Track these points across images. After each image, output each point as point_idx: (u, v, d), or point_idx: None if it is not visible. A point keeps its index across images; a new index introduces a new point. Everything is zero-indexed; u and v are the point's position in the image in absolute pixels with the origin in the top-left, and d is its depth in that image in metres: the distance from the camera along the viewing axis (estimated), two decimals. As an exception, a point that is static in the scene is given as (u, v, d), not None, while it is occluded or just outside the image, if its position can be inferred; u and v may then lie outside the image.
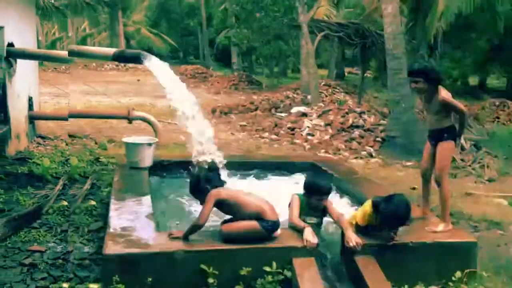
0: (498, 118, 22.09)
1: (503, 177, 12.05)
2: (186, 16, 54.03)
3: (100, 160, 9.47)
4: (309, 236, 5.09)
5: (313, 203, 5.54)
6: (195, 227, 4.97)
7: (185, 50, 58.83)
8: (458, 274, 5.30)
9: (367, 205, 5.37)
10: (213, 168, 5.43)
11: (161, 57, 8.45)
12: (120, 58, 8.29)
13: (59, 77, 34.22)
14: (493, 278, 5.47)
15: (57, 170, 8.51)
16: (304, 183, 5.68)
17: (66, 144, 11.01)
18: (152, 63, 7.91)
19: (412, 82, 5.91)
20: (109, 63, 40.01)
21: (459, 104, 5.83)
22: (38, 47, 18.06)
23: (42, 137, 11.37)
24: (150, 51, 38.69)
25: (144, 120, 11.20)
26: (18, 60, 9.63)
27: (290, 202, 5.66)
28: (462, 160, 13.03)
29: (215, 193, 5.04)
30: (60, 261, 5.19)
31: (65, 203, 6.82)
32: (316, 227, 5.53)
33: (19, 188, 7.41)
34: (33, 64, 11.36)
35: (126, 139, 8.00)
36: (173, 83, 7.80)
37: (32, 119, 10.82)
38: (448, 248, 5.47)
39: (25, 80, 10.41)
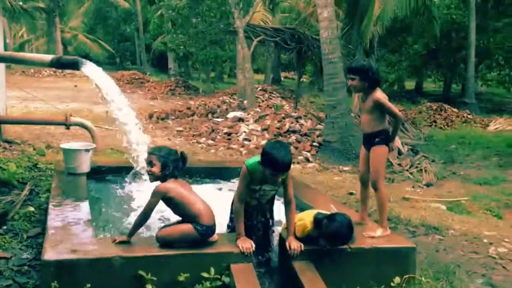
0: (435, 122, 22.49)
1: (441, 181, 12.21)
2: (123, 22, 53.49)
3: (38, 166, 9.21)
4: (244, 242, 5.00)
5: (268, 176, 5.00)
6: (139, 224, 4.93)
7: (122, 56, 58.20)
8: (397, 279, 5.24)
9: (307, 220, 5.21)
10: (184, 157, 5.27)
11: (98, 63, 8.27)
12: (57, 64, 8.07)
13: (27, 80, 34.03)
14: (433, 284, 5.40)
15: (24, 175, 8.31)
16: (262, 150, 5.12)
17: (34, 149, 10.79)
18: (90, 69, 7.72)
19: (349, 79, 5.81)
20: (46, 69, 39.49)
21: (394, 107, 5.74)
22: (6, 50, 17.69)
23: (9, 142, 11.15)
24: (87, 57, 38.43)
25: (82, 126, 11.04)
26: (-17, 63, 9.44)
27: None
28: (399, 164, 13.12)
29: (162, 189, 4.89)
30: (26, 267, 5.09)
31: (32, 208, 6.66)
32: (270, 193, 5.43)
33: (-17, 194, 7.17)
34: (-1, 67, 11.18)
35: (64, 145, 7.87)
36: (110, 89, 7.65)
37: None
38: (386, 253, 5.40)
39: (-10, 84, 10.15)
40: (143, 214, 4.88)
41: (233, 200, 5.39)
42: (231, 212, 5.54)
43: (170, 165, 4.99)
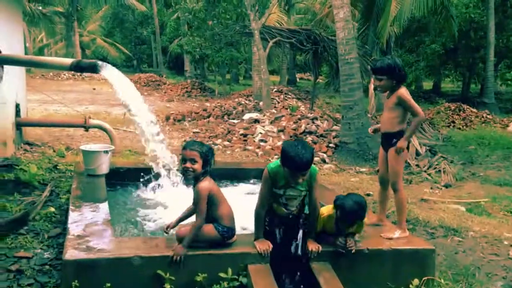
0: (453, 122, 22.26)
1: (460, 182, 12.08)
2: (140, 25, 53.84)
3: (58, 167, 9.30)
4: (261, 243, 4.97)
5: (288, 176, 4.76)
6: (199, 227, 4.83)
7: (138, 59, 58.55)
8: (416, 281, 5.20)
9: (324, 209, 5.22)
10: (213, 153, 5.08)
11: (115, 65, 8.36)
12: (77, 68, 8.24)
13: (47, 83, 34.56)
14: (452, 286, 5.35)
15: (44, 177, 8.39)
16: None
17: (54, 151, 10.91)
18: (109, 72, 7.78)
19: (376, 80, 5.72)
20: (65, 73, 40.03)
21: (416, 105, 5.62)
22: (26, 54, 17.91)
23: (29, 144, 11.38)
24: (105, 60, 38.65)
25: (100, 128, 11.35)
26: (5, 67, 9.66)
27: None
28: (417, 165, 13.00)
29: (207, 188, 4.83)
30: (47, 267, 5.13)
31: (53, 209, 6.72)
32: (297, 199, 5.02)
33: (5, 195, 7.27)
34: (20, 70, 11.38)
35: (83, 147, 7.96)
36: (129, 92, 7.74)
37: (19, 125, 10.83)
38: (405, 255, 5.36)
39: (12, 87, 10.40)
40: (200, 221, 4.81)
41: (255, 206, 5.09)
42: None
43: (211, 161, 4.90)
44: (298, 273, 5.15)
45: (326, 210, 5.23)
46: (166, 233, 5.15)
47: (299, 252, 5.09)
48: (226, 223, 4.93)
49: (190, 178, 4.92)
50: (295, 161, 4.56)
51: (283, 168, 4.73)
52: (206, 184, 4.83)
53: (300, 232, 5.12)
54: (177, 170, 7.65)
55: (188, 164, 4.80)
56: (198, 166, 4.79)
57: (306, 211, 5.15)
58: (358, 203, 5.01)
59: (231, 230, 4.98)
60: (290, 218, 5.06)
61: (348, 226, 5.12)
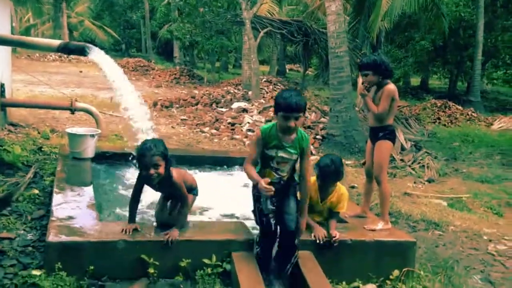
0: (439, 119, 22.40)
1: (443, 178, 12.22)
2: (129, 9, 53.49)
3: (42, 149, 9.25)
4: (265, 185, 4.52)
5: (280, 123, 4.65)
6: (187, 213, 5.15)
7: (127, 43, 58.23)
8: (396, 272, 5.29)
9: None
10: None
11: (103, 49, 8.31)
12: (65, 50, 8.12)
13: (32, 64, 34.13)
14: (431, 278, 5.44)
15: (29, 158, 8.35)
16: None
17: (38, 132, 10.79)
18: (97, 55, 7.76)
19: (362, 76, 5.82)
20: (51, 54, 39.51)
21: (383, 106, 5.70)
22: (12, 34, 17.76)
23: (14, 125, 11.23)
24: (93, 42, 38.35)
25: (87, 111, 11.17)
26: (-10, 46, 9.46)
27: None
28: (402, 160, 13.13)
29: (180, 177, 5.01)
30: (30, 248, 5.12)
31: (36, 191, 6.69)
32: (288, 163, 4.91)
33: (-12, 176, 7.20)
34: (5, 50, 11.21)
35: (69, 130, 7.92)
36: (117, 76, 7.69)
37: (4, 106, 10.66)
38: (386, 246, 5.44)
39: (-4, 67, 10.23)
40: (188, 206, 5.17)
41: (253, 186, 4.90)
42: (254, 199, 4.98)
43: (168, 155, 4.80)
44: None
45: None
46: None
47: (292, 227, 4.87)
48: (195, 184, 5.44)
49: (156, 182, 4.84)
50: (288, 101, 4.54)
51: (276, 115, 4.67)
52: (177, 175, 4.96)
53: (293, 203, 4.99)
54: None
55: (152, 171, 4.67)
56: (162, 169, 4.70)
57: (297, 180, 5.08)
58: (333, 160, 5.27)
59: (197, 188, 5.49)
60: (281, 184, 4.90)
61: (327, 188, 5.39)
